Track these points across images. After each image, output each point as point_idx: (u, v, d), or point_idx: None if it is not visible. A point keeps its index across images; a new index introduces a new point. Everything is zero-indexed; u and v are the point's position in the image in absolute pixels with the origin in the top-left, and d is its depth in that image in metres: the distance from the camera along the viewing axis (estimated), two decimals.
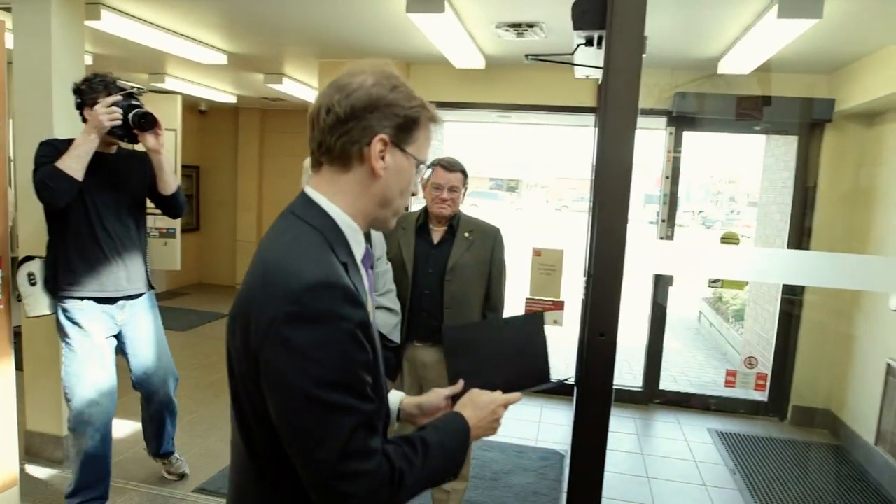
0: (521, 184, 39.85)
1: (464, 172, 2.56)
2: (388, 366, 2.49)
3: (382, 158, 0.99)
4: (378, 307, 2.38)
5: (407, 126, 1.01)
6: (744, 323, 6.30)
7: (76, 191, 2.35)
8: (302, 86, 5.62)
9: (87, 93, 2.43)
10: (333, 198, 1.01)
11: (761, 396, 4.58)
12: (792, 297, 4.38)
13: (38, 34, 2.92)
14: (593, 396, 2.16)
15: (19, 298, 2.50)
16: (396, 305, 2.46)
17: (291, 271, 0.90)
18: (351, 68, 1.01)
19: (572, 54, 3.14)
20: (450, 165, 2.52)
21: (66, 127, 2.97)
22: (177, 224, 4.44)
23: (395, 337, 2.44)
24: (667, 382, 5.00)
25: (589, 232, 4.61)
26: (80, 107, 2.45)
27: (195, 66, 4.96)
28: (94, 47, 4.53)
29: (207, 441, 3.65)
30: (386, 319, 2.40)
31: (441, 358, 2.52)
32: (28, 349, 3.19)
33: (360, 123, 0.97)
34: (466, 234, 2.56)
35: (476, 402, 1.18)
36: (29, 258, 2.54)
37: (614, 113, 2.13)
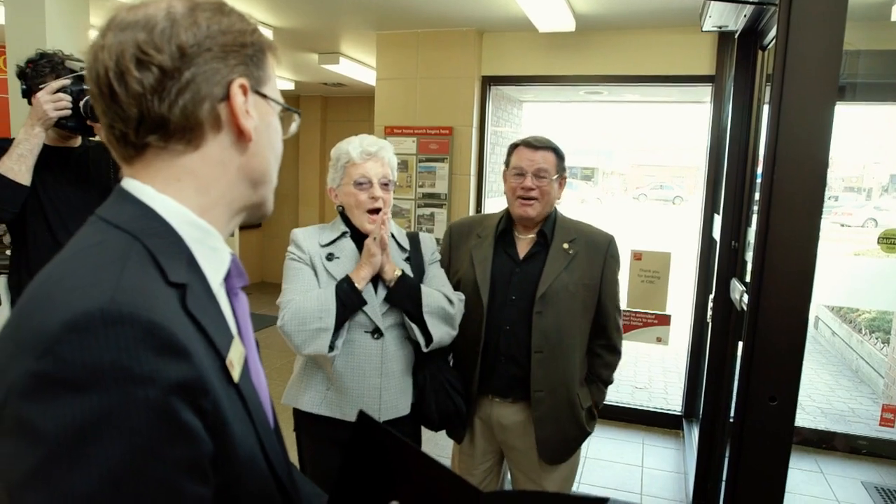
0: (598, 172, 38.45)
1: (556, 152, 1.83)
2: (452, 423, 1.82)
3: (247, 112, 0.66)
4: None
5: (257, 60, 0.69)
6: (888, 338, 5.20)
7: (23, 197, 1.94)
8: (360, 66, 5.01)
9: (33, 77, 1.95)
10: (167, 187, 0.64)
11: None
12: None
13: (30, 5, 2.41)
14: (759, 480, 1.54)
15: None
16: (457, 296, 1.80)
17: (50, 300, 0.53)
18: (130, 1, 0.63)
19: None
20: (536, 142, 1.82)
21: None
22: None
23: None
24: None
25: (704, 233, 3.71)
26: (27, 94, 1.97)
27: None
28: None
29: None
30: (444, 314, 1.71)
31: (527, 419, 1.82)
32: None
33: (202, 69, 0.62)
34: (566, 245, 1.82)
35: None
36: None
37: (799, 70, 1.41)
